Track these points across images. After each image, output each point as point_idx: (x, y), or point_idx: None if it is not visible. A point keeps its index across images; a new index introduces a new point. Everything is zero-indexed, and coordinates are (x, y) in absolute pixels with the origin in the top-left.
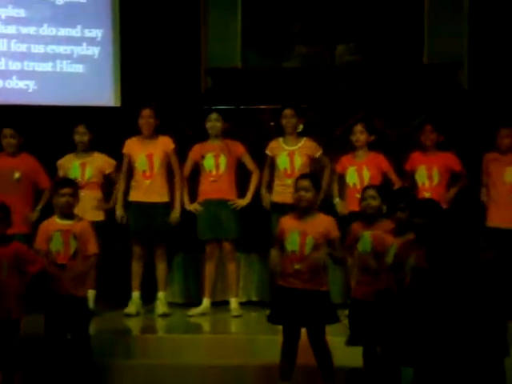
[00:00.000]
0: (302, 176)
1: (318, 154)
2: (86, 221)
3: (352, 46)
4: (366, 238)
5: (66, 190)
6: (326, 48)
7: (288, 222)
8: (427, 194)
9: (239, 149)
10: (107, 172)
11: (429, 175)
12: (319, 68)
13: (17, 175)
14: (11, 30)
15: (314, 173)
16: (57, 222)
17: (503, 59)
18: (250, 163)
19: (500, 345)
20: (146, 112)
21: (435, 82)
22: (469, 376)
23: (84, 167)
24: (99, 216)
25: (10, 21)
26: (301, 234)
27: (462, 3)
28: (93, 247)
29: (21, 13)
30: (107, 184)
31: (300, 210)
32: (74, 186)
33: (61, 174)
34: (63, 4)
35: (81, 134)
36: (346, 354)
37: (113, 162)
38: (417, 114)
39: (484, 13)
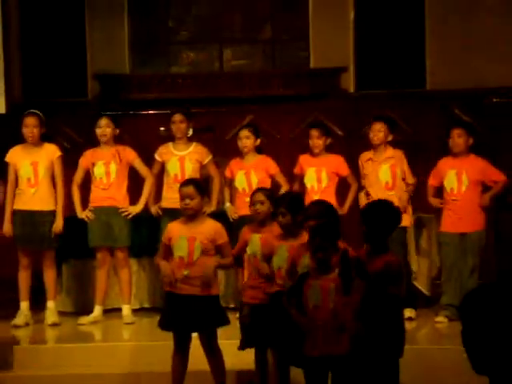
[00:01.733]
0: (186, 182)
1: (207, 160)
2: None
3: (240, 51)
4: (255, 241)
5: None
6: (215, 53)
7: (175, 228)
8: (316, 197)
9: (130, 154)
10: None
11: (318, 178)
12: (208, 73)
13: None
14: None
15: (196, 179)
16: None
17: (388, 62)
18: (142, 169)
19: (395, 344)
20: (30, 120)
21: (321, 87)
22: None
23: None
24: None
25: None
26: (189, 240)
27: (347, 9)
28: None
29: None
30: None
31: (187, 215)
32: None
33: None
34: None
35: None
36: (237, 357)
37: None
38: (305, 118)
39: (369, 19)
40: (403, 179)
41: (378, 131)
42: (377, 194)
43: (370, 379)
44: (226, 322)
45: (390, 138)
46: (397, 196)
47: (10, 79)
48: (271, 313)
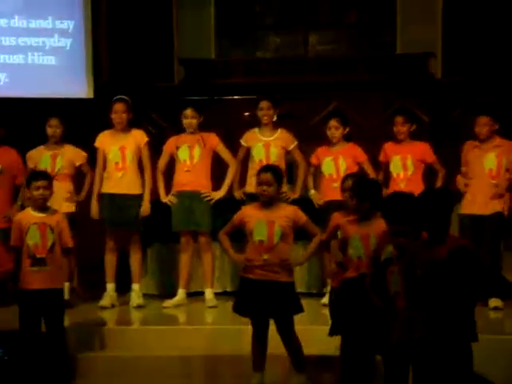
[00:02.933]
0: (264, 169)
1: (292, 146)
2: (61, 213)
3: (325, 36)
4: (349, 227)
5: (40, 183)
6: (300, 38)
7: (252, 212)
8: (402, 184)
9: (214, 140)
10: (78, 164)
11: (403, 165)
12: (293, 58)
13: None
14: None
15: (276, 166)
16: (32, 214)
17: (476, 48)
18: (225, 154)
19: (469, 330)
20: (119, 106)
21: (407, 72)
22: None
23: (54, 158)
24: (70, 208)
25: None
26: (268, 223)
27: None
28: (69, 240)
29: None
30: (78, 176)
31: (263, 201)
32: (47, 178)
33: (30, 166)
34: None
35: (54, 127)
36: (324, 343)
37: (84, 153)
38: (390, 105)
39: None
40: (507, 170)
41: (484, 125)
42: (478, 181)
43: (444, 363)
44: (300, 309)
45: (496, 127)
46: (497, 185)
47: (97, 65)
48: (357, 299)
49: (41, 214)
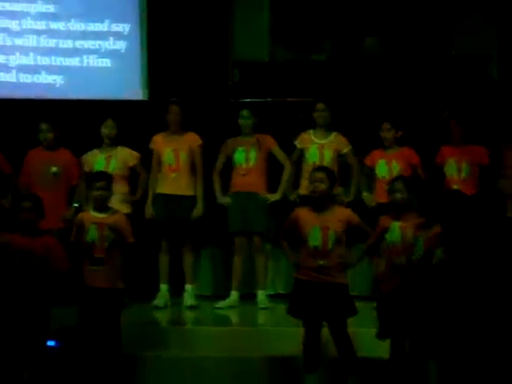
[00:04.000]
0: (318, 168)
1: (346, 149)
2: (121, 213)
3: (380, 39)
4: (395, 229)
5: (100, 184)
6: (354, 41)
7: (307, 216)
8: (455, 187)
9: (270, 142)
10: (131, 164)
11: (458, 168)
12: (347, 61)
13: (54, 169)
14: (41, 25)
15: (330, 168)
16: (92, 215)
17: None
18: (281, 156)
19: None
20: (174, 108)
21: (465, 74)
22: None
23: (108, 160)
24: (125, 209)
25: (39, 16)
26: (322, 229)
27: None
28: (130, 237)
29: (50, 8)
30: (132, 177)
31: (316, 202)
32: (107, 179)
33: (85, 168)
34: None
35: (109, 128)
36: (373, 346)
37: (137, 154)
38: (446, 107)
39: None
40: None
41: None
42: None
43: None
44: (354, 312)
45: None
46: None
47: (152, 67)
48: (407, 303)
49: (100, 215)
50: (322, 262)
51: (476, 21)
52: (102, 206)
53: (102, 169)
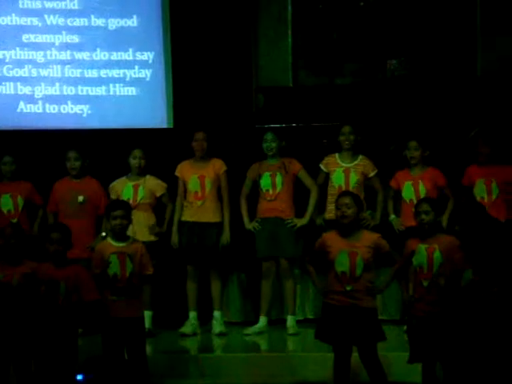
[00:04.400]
0: (344, 193)
1: (372, 173)
2: (140, 242)
3: (403, 61)
4: (422, 251)
5: (118, 212)
6: (377, 63)
7: (335, 241)
8: (486, 207)
9: (296, 166)
10: (158, 194)
11: (488, 189)
12: (370, 84)
13: (80, 199)
14: (65, 55)
15: (353, 192)
16: (112, 244)
17: None
18: (307, 180)
19: None
20: (199, 135)
21: (489, 95)
22: None
23: (136, 189)
24: (152, 237)
25: (64, 47)
26: (350, 255)
27: None
28: (149, 267)
29: (74, 39)
30: (159, 207)
31: (344, 227)
32: (126, 207)
33: (113, 196)
34: (115, 29)
35: (138, 158)
36: (405, 370)
37: (164, 184)
38: (471, 127)
39: None
40: None
41: None
42: None
43: None
44: (383, 337)
45: None
46: None
47: (177, 95)
48: (438, 326)
49: (120, 244)
50: (349, 288)
51: (500, 40)
52: (121, 234)
53: (130, 197)
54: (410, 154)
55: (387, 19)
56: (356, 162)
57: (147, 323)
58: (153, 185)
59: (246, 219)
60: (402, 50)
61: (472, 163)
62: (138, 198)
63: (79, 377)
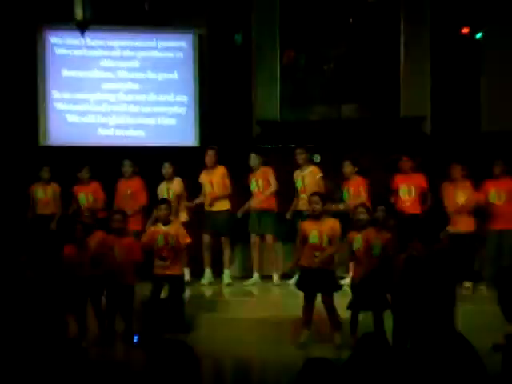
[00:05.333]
0: (313, 194)
1: (318, 176)
2: (178, 222)
3: (354, 105)
4: (358, 239)
5: (163, 206)
6: (335, 106)
7: (309, 225)
8: (408, 204)
9: (269, 171)
10: (180, 193)
11: (408, 191)
12: (330, 120)
13: (129, 191)
14: (129, 97)
15: (320, 192)
16: (160, 227)
17: (460, 113)
18: (272, 180)
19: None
20: (210, 152)
21: (408, 131)
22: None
23: (168, 190)
24: (185, 218)
25: (128, 91)
26: (319, 232)
27: (427, 71)
28: (185, 239)
29: (135, 86)
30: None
31: (315, 216)
32: (167, 203)
33: (159, 193)
34: (162, 80)
35: (166, 168)
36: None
37: (182, 184)
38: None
39: (444, 77)
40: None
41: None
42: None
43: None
44: (339, 288)
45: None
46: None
47: (202, 120)
48: (374, 285)
49: (165, 227)
50: (317, 254)
51: (415, 91)
52: (165, 220)
53: (165, 194)
54: (345, 170)
55: (341, 73)
56: (309, 170)
57: (187, 276)
58: (177, 185)
59: (242, 209)
60: (355, 96)
61: (397, 172)
62: (170, 195)
63: (135, 338)
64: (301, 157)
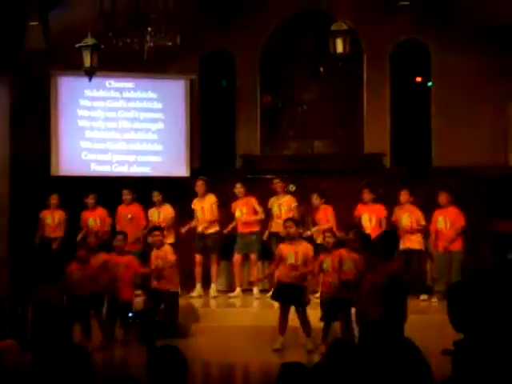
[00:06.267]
0: (287, 219)
1: (293, 205)
2: (166, 245)
3: (325, 142)
4: (328, 261)
5: (156, 233)
6: (308, 143)
7: (285, 247)
8: (368, 231)
9: (253, 201)
10: (170, 217)
11: (370, 220)
12: (303, 155)
13: (129, 216)
14: (132, 135)
15: (293, 218)
16: (154, 251)
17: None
18: (258, 208)
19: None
20: (200, 182)
21: (371, 165)
22: None
23: (159, 214)
24: (171, 240)
25: (128, 130)
26: (295, 254)
27: (387, 114)
28: (171, 258)
29: (137, 126)
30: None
31: (290, 238)
32: (160, 229)
33: (149, 217)
34: (159, 119)
35: (156, 196)
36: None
37: (172, 210)
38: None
39: (402, 114)
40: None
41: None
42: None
43: None
44: (309, 302)
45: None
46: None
47: (193, 153)
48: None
49: (157, 251)
50: (293, 274)
51: (377, 131)
52: (159, 245)
53: (156, 218)
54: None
55: (317, 115)
56: (285, 199)
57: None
58: (167, 210)
59: (228, 229)
60: (325, 135)
61: (360, 203)
62: (161, 219)
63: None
64: (278, 185)
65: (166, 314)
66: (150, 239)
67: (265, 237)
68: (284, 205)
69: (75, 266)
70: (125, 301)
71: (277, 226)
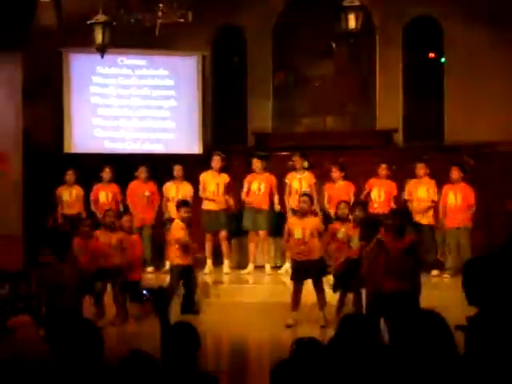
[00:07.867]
0: (303, 194)
1: (313, 181)
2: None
3: (337, 118)
4: (342, 230)
5: (187, 209)
6: (321, 119)
7: (294, 222)
8: (376, 205)
9: (272, 179)
10: (189, 194)
11: (379, 195)
12: (315, 131)
13: (146, 193)
14: (145, 112)
15: (308, 193)
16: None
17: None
18: (274, 188)
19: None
20: (217, 157)
21: (384, 142)
22: None
23: (178, 190)
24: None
25: (142, 107)
26: (302, 229)
27: (399, 90)
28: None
29: (151, 103)
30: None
31: (301, 214)
32: (189, 205)
33: (165, 194)
34: (172, 96)
35: (177, 171)
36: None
37: (191, 187)
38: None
39: (414, 90)
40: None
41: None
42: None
43: None
44: (326, 273)
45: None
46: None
47: (205, 130)
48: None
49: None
50: (302, 247)
51: (389, 107)
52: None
53: (174, 194)
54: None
55: (329, 91)
56: (304, 175)
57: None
58: (186, 186)
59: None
60: (337, 110)
61: (374, 177)
62: (180, 195)
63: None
64: (298, 162)
65: (186, 289)
66: (179, 215)
67: (276, 209)
68: (304, 180)
69: (77, 242)
70: (135, 279)
71: (295, 201)
